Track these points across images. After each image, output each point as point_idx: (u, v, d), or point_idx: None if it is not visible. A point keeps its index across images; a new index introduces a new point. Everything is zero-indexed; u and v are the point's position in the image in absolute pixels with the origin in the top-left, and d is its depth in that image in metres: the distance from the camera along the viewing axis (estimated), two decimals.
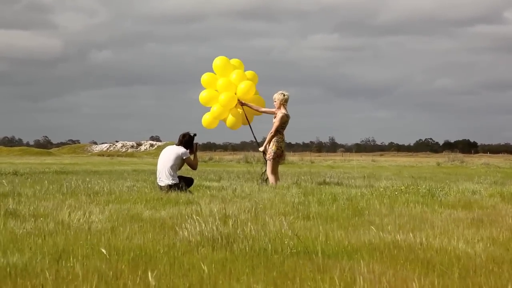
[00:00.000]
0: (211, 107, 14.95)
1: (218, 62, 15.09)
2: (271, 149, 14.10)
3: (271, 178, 14.11)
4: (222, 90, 14.78)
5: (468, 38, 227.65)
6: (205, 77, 15.10)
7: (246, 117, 14.85)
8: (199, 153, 13.12)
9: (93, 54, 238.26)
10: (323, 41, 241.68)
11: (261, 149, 14.33)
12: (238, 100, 14.66)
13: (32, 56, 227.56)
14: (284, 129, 14.31)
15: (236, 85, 14.76)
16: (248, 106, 14.71)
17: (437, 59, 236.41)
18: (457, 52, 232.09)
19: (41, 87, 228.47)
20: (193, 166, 12.97)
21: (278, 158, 14.16)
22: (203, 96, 14.99)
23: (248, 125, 15.06)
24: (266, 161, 14.26)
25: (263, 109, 14.71)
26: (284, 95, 14.20)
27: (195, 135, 12.90)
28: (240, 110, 14.85)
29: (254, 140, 15.22)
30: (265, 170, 14.41)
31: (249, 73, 15.21)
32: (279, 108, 14.16)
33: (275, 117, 14.21)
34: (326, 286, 4.50)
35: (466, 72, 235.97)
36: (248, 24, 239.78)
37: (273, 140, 14.11)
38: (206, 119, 15.05)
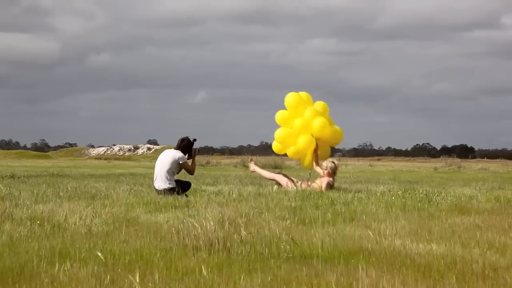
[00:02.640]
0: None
1: (291, 98, 15.15)
2: (296, 185, 14.17)
3: (272, 176, 14.75)
4: (299, 132, 14.90)
5: (466, 43, 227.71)
6: (279, 115, 15.23)
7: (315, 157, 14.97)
8: (196, 157, 13.11)
9: (91, 58, 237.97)
10: (321, 45, 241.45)
11: (301, 184, 14.34)
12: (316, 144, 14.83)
13: (30, 59, 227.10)
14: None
15: (311, 123, 14.85)
16: (315, 154, 14.90)
17: (435, 64, 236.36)
18: (455, 57, 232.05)
19: (38, 90, 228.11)
20: (190, 171, 12.96)
21: (286, 184, 14.28)
22: (279, 135, 15.12)
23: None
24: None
25: (318, 168, 14.69)
26: (334, 163, 14.33)
27: (195, 140, 12.88)
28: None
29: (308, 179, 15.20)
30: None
31: (319, 105, 15.31)
32: (327, 176, 14.19)
33: (320, 177, 14.26)
34: None
35: (464, 77, 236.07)
36: (246, 28, 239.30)
37: (303, 187, 14.17)
38: (277, 146, 15.29)
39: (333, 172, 14.16)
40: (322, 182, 13.98)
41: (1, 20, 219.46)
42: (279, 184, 14.30)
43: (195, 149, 12.94)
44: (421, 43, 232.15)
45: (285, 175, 14.64)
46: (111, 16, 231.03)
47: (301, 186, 14.05)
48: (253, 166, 15.33)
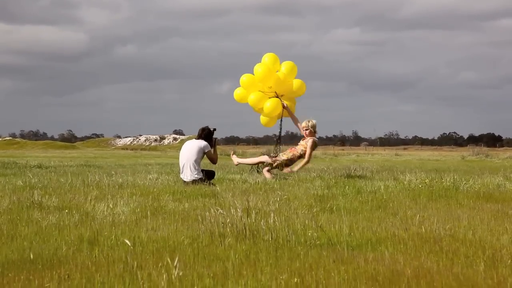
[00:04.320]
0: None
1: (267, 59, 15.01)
2: (282, 159, 14.13)
3: (257, 160, 14.50)
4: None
5: (492, 32, 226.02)
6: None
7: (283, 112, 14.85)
8: (222, 147, 13.20)
9: (117, 49, 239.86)
10: (346, 35, 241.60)
11: (275, 157, 14.27)
12: (282, 104, 14.70)
13: (58, 51, 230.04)
14: None
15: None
16: (288, 112, 14.78)
17: (461, 53, 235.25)
18: (480, 46, 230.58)
19: (66, 82, 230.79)
20: (214, 160, 12.99)
21: (278, 166, 14.13)
22: (244, 80, 15.08)
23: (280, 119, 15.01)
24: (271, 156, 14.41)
25: (299, 125, 14.65)
26: (313, 121, 14.32)
27: (214, 129, 12.92)
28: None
29: (278, 136, 15.08)
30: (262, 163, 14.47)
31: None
32: (310, 135, 14.22)
33: (303, 138, 14.30)
34: (350, 277, 4.49)
35: (490, 66, 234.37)
36: (271, 18, 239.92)
37: (290, 155, 14.16)
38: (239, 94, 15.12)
39: (314, 131, 14.27)
40: (307, 142, 14.16)
41: (29, 13, 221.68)
42: (269, 164, 14.12)
43: (215, 138, 13.01)
44: (445, 32, 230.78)
45: (268, 155, 14.52)
46: (137, 8, 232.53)
47: (285, 157, 14.09)
48: (236, 159, 14.77)
